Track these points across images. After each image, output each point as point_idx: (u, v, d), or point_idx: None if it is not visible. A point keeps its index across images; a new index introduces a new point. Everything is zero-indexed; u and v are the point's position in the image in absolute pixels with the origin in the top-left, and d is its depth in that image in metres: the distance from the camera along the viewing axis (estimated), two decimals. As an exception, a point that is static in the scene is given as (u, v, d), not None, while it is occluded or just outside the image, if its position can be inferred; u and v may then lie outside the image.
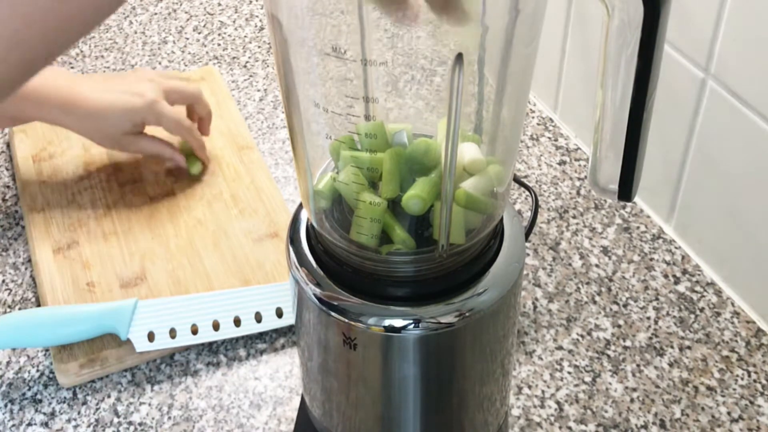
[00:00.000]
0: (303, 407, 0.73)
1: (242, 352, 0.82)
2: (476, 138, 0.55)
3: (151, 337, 0.79)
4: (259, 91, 1.11)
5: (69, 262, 0.88)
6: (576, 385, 0.78)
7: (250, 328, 0.81)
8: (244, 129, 1.02)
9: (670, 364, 0.80)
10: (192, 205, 0.93)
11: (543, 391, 0.78)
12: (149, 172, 0.97)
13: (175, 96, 0.93)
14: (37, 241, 0.90)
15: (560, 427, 0.75)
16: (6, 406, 0.79)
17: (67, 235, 0.90)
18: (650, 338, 0.82)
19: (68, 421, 0.77)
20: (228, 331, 0.81)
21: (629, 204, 0.94)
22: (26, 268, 0.91)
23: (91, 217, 0.92)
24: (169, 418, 0.77)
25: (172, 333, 0.79)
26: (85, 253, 0.88)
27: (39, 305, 0.86)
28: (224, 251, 0.88)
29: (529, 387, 0.78)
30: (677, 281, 0.87)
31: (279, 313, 0.82)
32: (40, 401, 0.79)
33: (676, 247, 0.89)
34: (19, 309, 0.86)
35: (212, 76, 1.09)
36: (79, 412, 0.78)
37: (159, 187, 0.95)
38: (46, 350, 0.82)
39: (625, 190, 0.56)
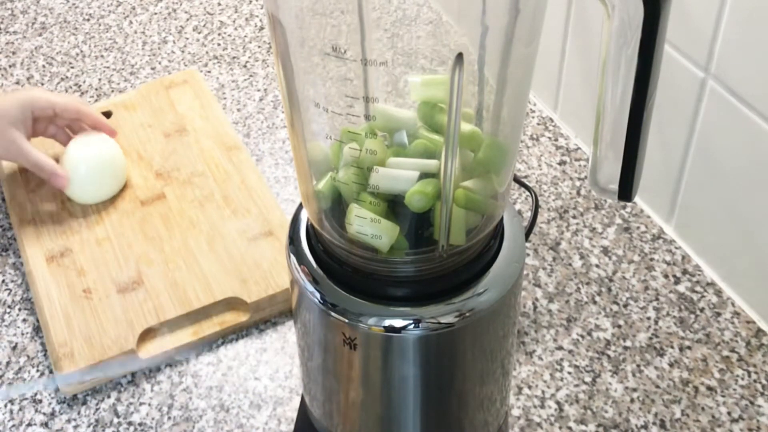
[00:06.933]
0: (303, 407, 0.73)
1: (242, 352, 0.82)
2: (477, 132, 0.54)
3: None
4: (259, 91, 1.11)
5: (63, 269, 0.87)
6: (576, 386, 0.78)
7: None
8: (231, 129, 1.01)
9: (671, 365, 0.80)
10: (184, 207, 0.92)
11: (543, 392, 0.78)
12: (138, 176, 0.96)
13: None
14: (29, 250, 0.89)
15: (560, 428, 0.75)
16: (6, 406, 0.79)
17: (60, 243, 0.89)
18: (650, 338, 0.82)
19: (68, 421, 0.77)
20: None
21: (629, 204, 0.94)
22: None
23: (83, 225, 0.91)
24: (169, 418, 0.77)
25: None
26: (79, 260, 0.87)
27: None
28: (220, 252, 0.88)
29: (529, 387, 0.78)
30: (677, 281, 0.86)
31: None
32: (40, 401, 0.79)
33: (676, 247, 0.89)
34: (19, 309, 0.86)
35: (194, 79, 1.08)
36: (79, 413, 0.78)
37: (149, 190, 0.95)
38: (46, 350, 0.82)
39: (625, 190, 0.56)
